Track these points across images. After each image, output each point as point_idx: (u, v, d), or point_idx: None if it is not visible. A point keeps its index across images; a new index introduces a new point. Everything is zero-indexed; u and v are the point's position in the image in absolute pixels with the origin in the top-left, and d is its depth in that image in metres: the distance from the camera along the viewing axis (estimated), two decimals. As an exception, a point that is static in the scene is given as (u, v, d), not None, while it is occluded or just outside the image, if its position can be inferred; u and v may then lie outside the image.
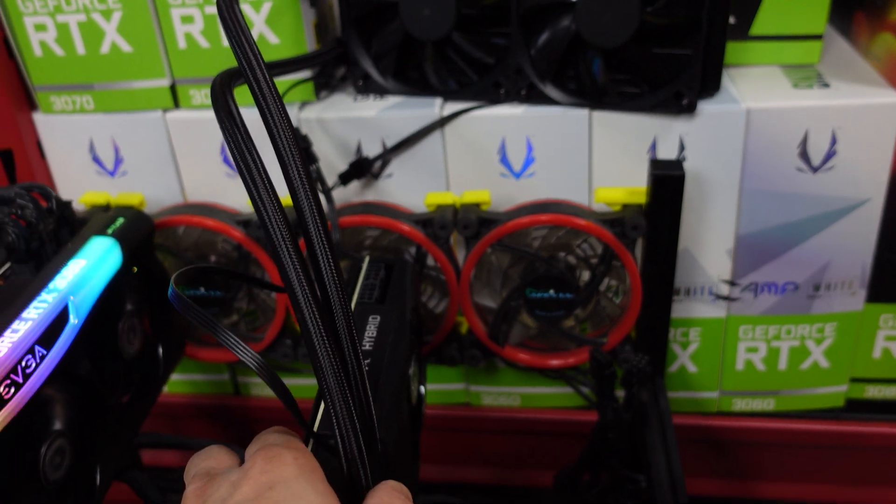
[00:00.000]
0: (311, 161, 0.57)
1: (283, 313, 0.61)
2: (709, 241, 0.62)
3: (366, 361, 0.40)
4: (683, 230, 0.61)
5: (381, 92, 0.62)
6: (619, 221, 0.54)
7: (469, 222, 0.55)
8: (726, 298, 0.64)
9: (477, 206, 0.57)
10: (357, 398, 0.32)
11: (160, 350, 0.57)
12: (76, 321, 0.45)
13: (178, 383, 0.73)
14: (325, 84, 0.64)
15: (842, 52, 0.65)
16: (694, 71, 0.54)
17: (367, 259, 0.49)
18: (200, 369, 0.72)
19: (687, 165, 0.59)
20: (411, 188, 0.62)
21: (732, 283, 0.64)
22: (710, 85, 0.56)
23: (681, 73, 0.54)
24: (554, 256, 0.57)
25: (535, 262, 0.57)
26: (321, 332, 0.30)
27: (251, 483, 0.30)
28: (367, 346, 0.41)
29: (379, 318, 0.43)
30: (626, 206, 0.55)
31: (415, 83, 0.61)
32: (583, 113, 0.58)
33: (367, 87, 0.62)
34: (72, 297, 0.46)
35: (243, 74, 0.33)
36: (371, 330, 0.42)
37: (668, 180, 0.52)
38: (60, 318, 0.45)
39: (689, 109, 0.55)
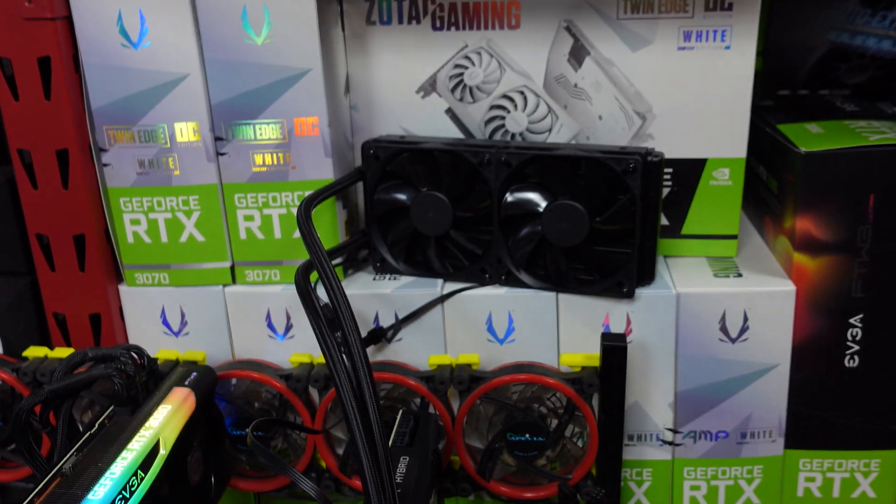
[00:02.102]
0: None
1: (310, 452, 0.75)
2: (654, 396, 0.77)
3: (398, 491, 0.55)
4: (633, 387, 0.77)
5: (395, 272, 0.79)
6: (579, 380, 0.70)
7: (462, 379, 0.70)
8: (671, 444, 0.78)
9: (469, 366, 0.72)
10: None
11: (212, 480, 0.70)
12: (164, 452, 0.60)
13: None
14: (351, 263, 0.81)
15: (756, 246, 0.83)
16: (631, 267, 0.71)
17: (400, 412, 0.64)
18: (231, 499, 0.85)
19: (632, 336, 0.75)
20: (417, 350, 0.78)
21: (675, 431, 0.78)
22: (646, 276, 0.74)
23: (621, 268, 0.72)
24: (529, 407, 0.72)
25: (515, 412, 0.72)
26: (370, 464, 0.45)
27: None
28: (398, 479, 0.56)
29: (408, 458, 0.58)
30: (584, 368, 0.71)
31: (421, 266, 0.78)
32: (551, 295, 0.75)
33: (383, 269, 0.79)
34: (162, 434, 0.60)
35: (318, 273, 0.51)
36: (402, 467, 0.57)
37: (614, 350, 0.68)
38: (154, 449, 0.59)
39: (629, 296, 0.72)
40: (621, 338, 0.68)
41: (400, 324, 0.76)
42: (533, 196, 0.73)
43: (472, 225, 0.76)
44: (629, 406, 0.77)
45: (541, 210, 0.72)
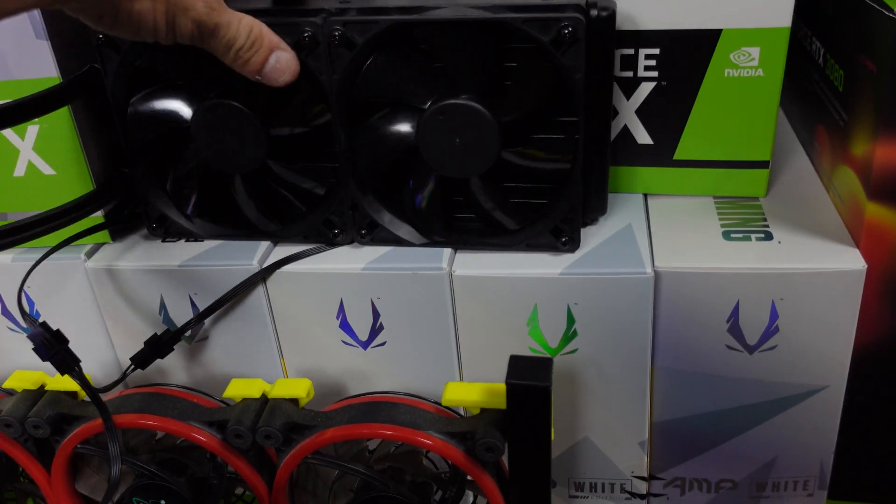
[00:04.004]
0: (72, 363, 0.42)
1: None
2: (616, 431, 0.47)
3: None
4: (583, 416, 0.47)
5: (186, 235, 0.48)
6: (471, 436, 0.40)
7: (271, 432, 0.41)
8: (643, 497, 0.49)
9: (291, 403, 0.43)
10: None
11: None
12: None
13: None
14: (128, 221, 0.50)
15: (799, 175, 0.51)
16: (572, 196, 0.40)
17: None
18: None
19: (578, 341, 0.44)
20: (233, 354, 0.48)
21: (650, 478, 0.49)
22: (591, 209, 0.44)
23: (556, 203, 0.41)
24: (398, 470, 0.43)
25: (371, 481, 0.42)
26: None
27: None
28: None
29: None
30: (485, 412, 0.41)
31: (229, 221, 0.47)
32: (440, 273, 0.44)
33: (166, 231, 0.48)
34: None
35: None
36: None
37: (527, 394, 0.37)
38: None
39: (570, 247, 0.43)
40: (541, 368, 0.38)
41: (198, 321, 0.46)
42: (399, 92, 0.41)
43: (301, 149, 0.44)
44: (576, 443, 0.48)
45: (414, 118, 0.40)
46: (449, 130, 0.40)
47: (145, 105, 0.43)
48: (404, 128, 0.42)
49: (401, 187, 0.44)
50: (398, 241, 0.45)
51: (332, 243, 0.46)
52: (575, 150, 0.41)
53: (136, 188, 0.46)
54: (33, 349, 0.41)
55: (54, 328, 0.41)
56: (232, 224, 0.47)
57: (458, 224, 0.45)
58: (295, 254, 0.45)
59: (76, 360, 0.42)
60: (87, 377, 0.42)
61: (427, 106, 0.40)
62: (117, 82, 0.43)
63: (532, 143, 0.41)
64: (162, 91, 0.43)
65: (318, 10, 0.40)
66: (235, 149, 0.43)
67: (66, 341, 0.41)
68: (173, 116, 0.43)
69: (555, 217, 0.43)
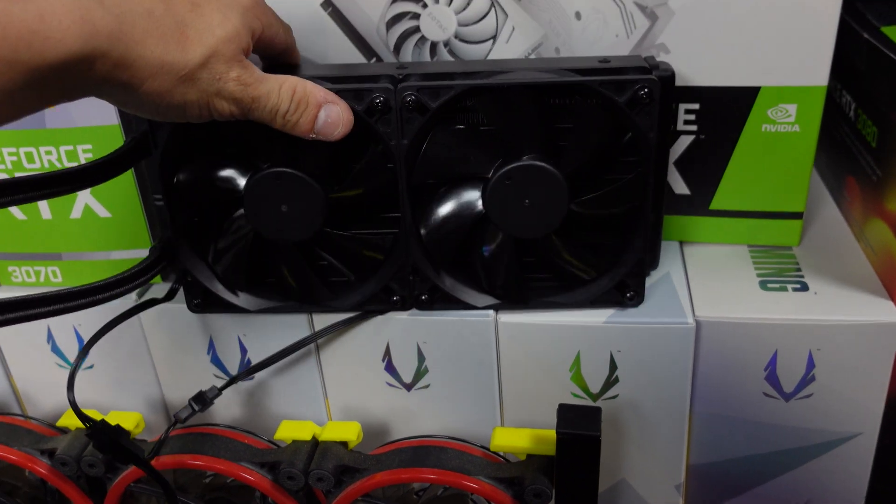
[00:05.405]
0: (136, 457, 0.42)
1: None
2: (652, 474, 0.49)
3: None
4: (621, 459, 0.48)
5: (231, 310, 0.47)
6: (519, 482, 0.41)
7: (323, 475, 0.42)
8: (677, 539, 0.51)
9: (341, 445, 0.44)
10: None
11: None
12: None
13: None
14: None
15: (829, 224, 0.52)
16: (637, 254, 0.42)
17: None
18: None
19: (619, 387, 0.46)
20: (277, 394, 0.50)
21: (686, 519, 0.50)
22: (650, 261, 0.46)
23: (620, 259, 0.43)
24: (441, 512, 0.44)
25: (415, 521, 0.44)
26: None
27: None
28: None
29: None
30: (531, 459, 0.42)
31: (276, 292, 0.46)
32: (486, 320, 0.45)
33: (208, 306, 0.47)
34: None
35: None
36: None
37: (577, 444, 0.38)
38: None
39: (635, 301, 0.44)
40: (590, 417, 0.39)
41: (248, 374, 0.47)
42: (462, 167, 0.42)
43: (358, 215, 0.45)
44: (614, 485, 0.49)
45: (478, 188, 0.42)
46: (518, 193, 0.41)
47: (195, 174, 0.43)
48: (471, 201, 0.42)
49: (464, 253, 0.44)
50: (460, 305, 0.45)
51: (390, 308, 0.45)
52: (643, 204, 0.41)
53: (180, 262, 0.45)
54: (93, 446, 0.41)
55: (113, 424, 0.41)
56: (278, 294, 0.46)
57: (524, 284, 0.45)
58: (349, 318, 0.46)
59: (140, 452, 0.42)
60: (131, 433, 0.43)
61: (491, 174, 0.41)
62: (167, 152, 0.42)
63: (597, 190, 0.42)
64: (212, 159, 0.43)
65: (380, 75, 0.40)
66: (291, 217, 0.42)
67: (127, 434, 0.42)
68: (225, 185, 0.43)
69: (620, 271, 0.43)
